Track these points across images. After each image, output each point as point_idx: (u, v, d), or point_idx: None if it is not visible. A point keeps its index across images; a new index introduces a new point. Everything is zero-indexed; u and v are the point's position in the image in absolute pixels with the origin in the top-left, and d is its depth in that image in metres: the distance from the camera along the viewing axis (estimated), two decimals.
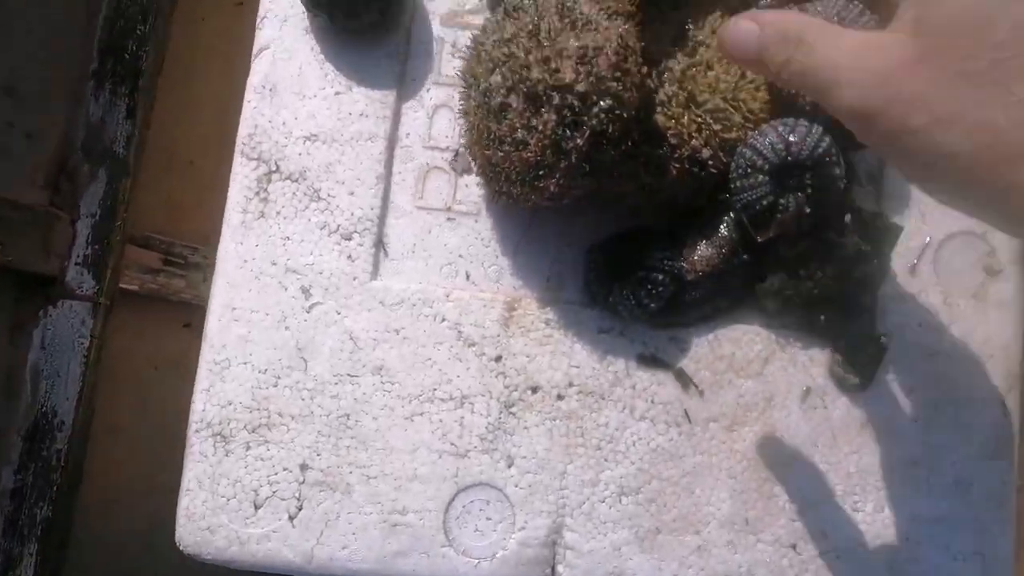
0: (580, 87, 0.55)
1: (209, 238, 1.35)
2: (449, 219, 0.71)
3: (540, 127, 0.57)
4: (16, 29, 1.03)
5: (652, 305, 0.66)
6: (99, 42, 1.11)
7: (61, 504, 1.09)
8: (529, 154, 0.58)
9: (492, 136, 0.60)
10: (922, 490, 0.68)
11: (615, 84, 0.56)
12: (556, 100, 0.56)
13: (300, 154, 0.70)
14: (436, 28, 0.72)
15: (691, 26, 0.65)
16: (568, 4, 0.57)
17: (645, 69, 0.60)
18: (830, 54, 0.44)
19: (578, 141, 0.57)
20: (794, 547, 0.68)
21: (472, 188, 0.71)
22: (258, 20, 0.72)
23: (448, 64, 0.72)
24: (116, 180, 1.11)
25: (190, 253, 1.28)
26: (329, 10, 0.67)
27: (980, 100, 0.39)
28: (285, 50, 0.71)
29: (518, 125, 0.58)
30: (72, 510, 1.12)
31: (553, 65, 0.56)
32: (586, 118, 0.56)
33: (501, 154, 0.60)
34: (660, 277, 0.65)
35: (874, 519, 0.68)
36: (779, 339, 0.70)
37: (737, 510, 0.68)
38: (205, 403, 0.69)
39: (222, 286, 0.70)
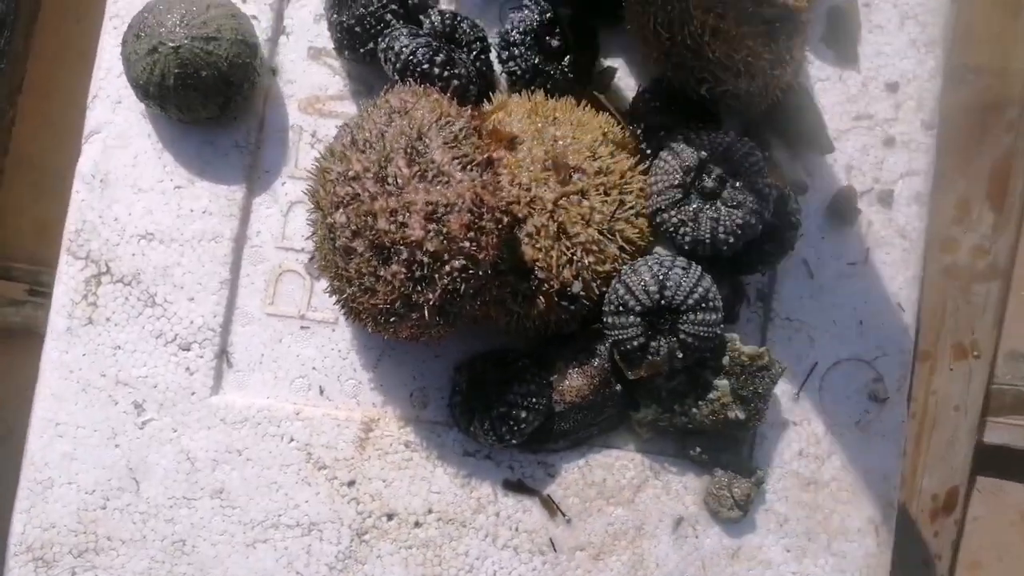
0: (430, 246, 0.49)
1: None
2: (303, 327, 0.65)
3: (388, 278, 0.51)
4: None
5: (512, 441, 0.61)
6: None
7: None
8: (378, 301, 0.52)
9: (340, 273, 0.54)
10: None
11: (468, 245, 0.50)
12: (404, 255, 0.50)
13: (134, 254, 0.63)
14: (294, 115, 0.65)
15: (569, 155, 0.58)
16: (418, 148, 0.50)
17: (506, 219, 0.54)
18: None
19: (429, 296, 0.51)
20: None
21: None
22: (88, 99, 0.63)
23: (307, 155, 0.65)
24: None
25: None
26: (161, 104, 0.58)
27: None
28: (118, 136, 0.63)
29: (364, 271, 0.52)
30: None
31: (400, 218, 0.49)
32: (437, 276, 0.50)
33: (350, 291, 0.54)
34: (523, 415, 0.60)
35: None
36: (653, 465, 0.66)
37: None
38: (25, 525, 0.63)
39: (45, 398, 0.63)
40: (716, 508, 0.65)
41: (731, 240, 0.57)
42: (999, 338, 0.81)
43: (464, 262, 0.51)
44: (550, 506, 0.65)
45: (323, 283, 0.65)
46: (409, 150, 0.50)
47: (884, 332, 0.67)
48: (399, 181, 0.50)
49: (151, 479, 0.63)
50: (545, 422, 0.63)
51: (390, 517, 0.64)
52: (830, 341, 0.67)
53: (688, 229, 0.58)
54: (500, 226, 0.52)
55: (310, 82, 0.65)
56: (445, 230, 0.50)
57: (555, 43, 0.63)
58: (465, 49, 0.62)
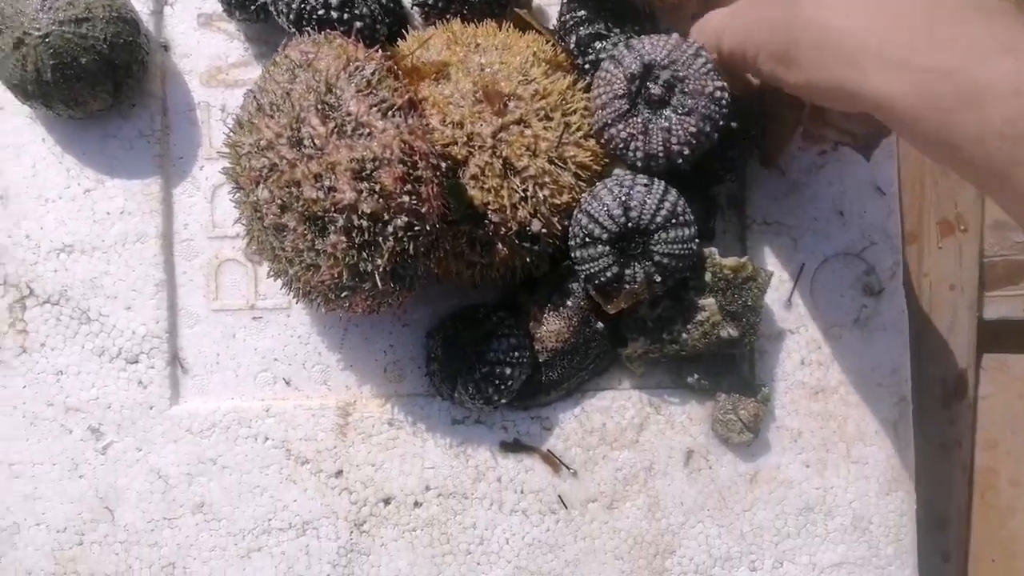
0: (365, 207, 0.44)
1: None
2: (255, 318, 0.60)
3: (329, 250, 0.46)
4: None
5: (501, 400, 0.57)
6: None
7: None
8: (324, 277, 0.47)
9: (276, 254, 0.49)
10: (820, 536, 0.63)
11: (407, 199, 0.45)
12: (340, 223, 0.45)
13: (56, 271, 0.57)
14: (198, 91, 0.59)
15: (500, 79, 0.52)
16: (330, 102, 0.44)
17: (444, 164, 0.48)
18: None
19: (377, 262, 0.46)
20: None
21: None
22: None
23: (220, 132, 0.59)
24: None
25: None
26: (45, 102, 0.52)
27: None
28: (9, 146, 0.57)
29: (302, 247, 0.46)
30: None
31: (327, 183, 0.44)
32: (380, 239, 0.45)
33: (292, 271, 0.49)
34: (507, 371, 0.56)
35: None
36: (652, 400, 0.62)
37: None
38: None
39: None
40: (725, 434, 0.61)
41: (686, 151, 0.52)
42: (983, 208, 0.76)
43: (407, 219, 0.46)
44: (552, 461, 0.61)
45: (266, 267, 0.60)
46: (320, 106, 0.44)
47: (868, 220, 0.63)
48: (316, 142, 0.44)
49: (125, 505, 0.58)
50: (532, 375, 0.58)
51: (387, 502, 0.60)
52: (813, 239, 0.62)
53: (639, 144, 0.52)
54: (439, 172, 0.47)
55: (207, 52, 0.59)
56: (378, 187, 0.45)
57: None
58: None
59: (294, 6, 0.49)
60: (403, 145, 0.45)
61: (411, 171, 0.45)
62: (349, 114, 0.44)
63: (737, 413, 0.61)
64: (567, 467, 0.61)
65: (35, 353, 0.58)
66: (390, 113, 0.45)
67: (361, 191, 0.45)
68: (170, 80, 0.58)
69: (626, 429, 0.62)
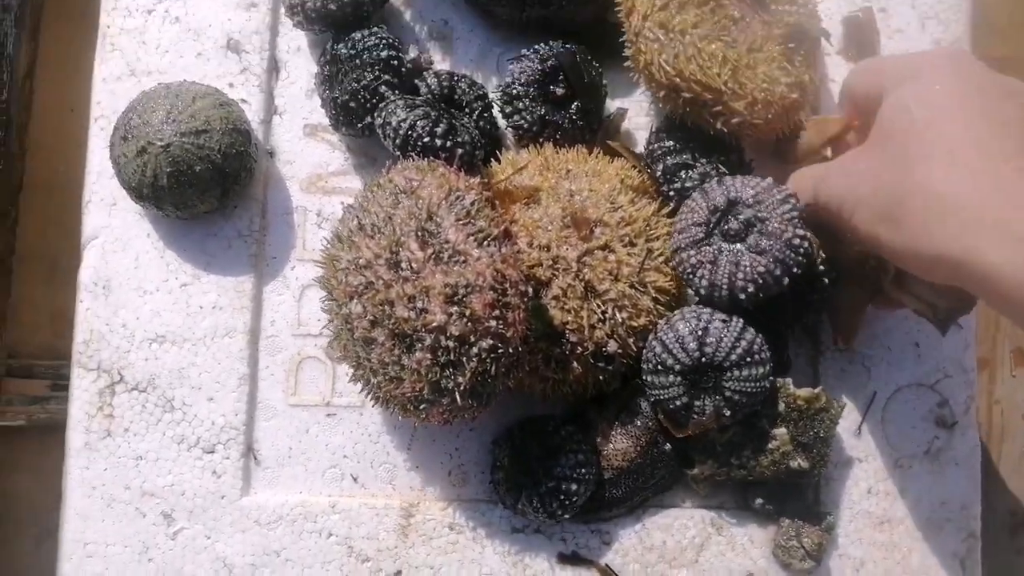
0: (454, 330, 0.46)
1: None
2: (329, 415, 0.62)
3: (414, 366, 0.47)
4: None
5: (565, 515, 0.58)
6: None
7: None
8: (405, 390, 0.49)
9: (361, 363, 0.51)
10: None
11: (494, 324, 0.46)
12: (428, 342, 0.47)
13: (147, 359, 0.60)
14: (296, 196, 0.62)
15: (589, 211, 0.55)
16: (430, 229, 0.47)
17: (530, 290, 0.50)
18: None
19: (459, 380, 0.47)
20: None
21: None
22: (83, 204, 0.61)
23: (314, 236, 0.62)
24: None
25: None
26: (157, 204, 0.56)
27: None
28: (117, 240, 0.60)
29: (388, 361, 0.48)
30: None
31: (419, 304, 0.46)
32: (465, 360, 0.47)
33: (375, 380, 0.51)
34: (573, 488, 0.56)
35: None
36: (715, 520, 0.62)
37: None
38: None
39: (71, 518, 0.60)
40: (787, 560, 0.61)
41: (750, 288, 0.52)
42: None
43: (492, 342, 0.47)
44: None
45: (345, 367, 0.62)
46: (420, 232, 0.47)
47: (943, 352, 0.63)
48: (413, 265, 0.46)
49: None
50: (595, 490, 0.59)
51: None
52: (887, 368, 0.63)
53: (706, 272, 0.53)
54: (526, 299, 0.49)
55: (310, 160, 0.63)
56: (468, 312, 0.47)
57: (559, 90, 0.59)
58: (466, 110, 0.59)
59: (401, 132, 0.52)
60: (495, 273, 0.47)
61: (500, 297, 0.47)
62: (447, 242, 0.47)
63: (800, 540, 0.60)
64: None
65: (118, 437, 0.60)
66: (486, 243, 0.47)
67: (451, 314, 0.47)
68: (272, 184, 0.62)
69: (686, 548, 0.61)
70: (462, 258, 0.46)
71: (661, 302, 0.55)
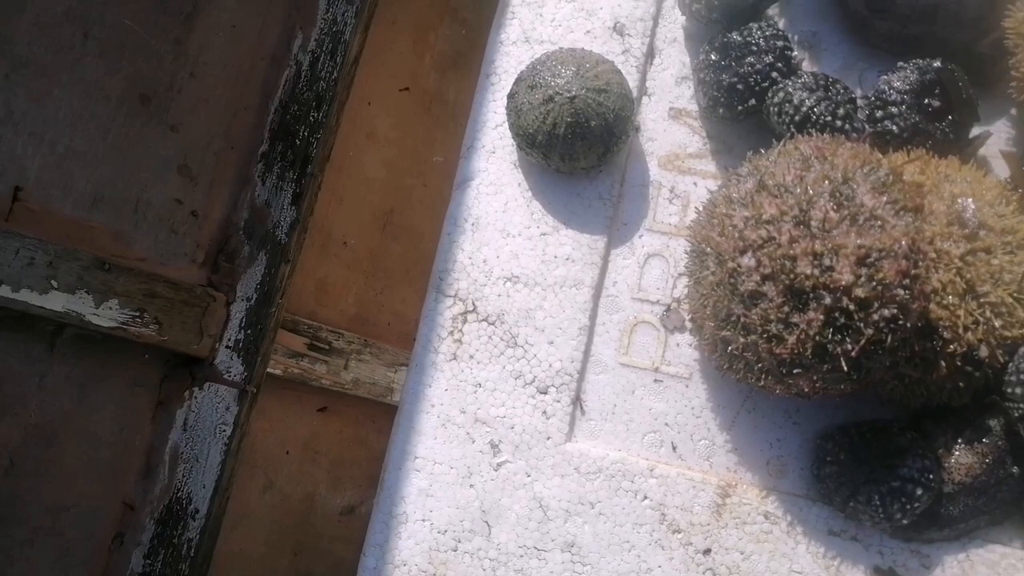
0: (859, 292, 0.47)
1: (352, 323, 1.32)
2: (656, 380, 0.63)
3: (803, 325, 0.49)
4: (198, 110, 1.03)
5: (903, 519, 0.56)
6: (271, 124, 1.10)
7: None
8: (783, 350, 0.50)
9: (734, 320, 0.52)
10: None
11: (902, 292, 0.47)
12: (827, 300, 0.48)
13: (499, 295, 0.65)
14: (654, 171, 0.66)
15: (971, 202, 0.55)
16: (845, 192, 0.49)
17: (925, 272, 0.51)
18: None
19: (848, 347, 0.48)
20: None
21: (684, 349, 0.64)
22: (463, 149, 0.68)
23: (664, 210, 0.65)
24: (275, 265, 1.09)
25: (335, 338, 1.25)
26: (545, 152, 0.61)
27: None
28: (491, 184, 0.66)
29: (773, 318, 0.50)
30: None
31: (826, 262, 0.48)
32: (862, 325, 0.48)
33: (744, 341, 0.52)
34: (918, 492, 0.55)
35: None
36: None
37: None
38: (378, 560, 0.63)
39: (405, 431, 0.64)
40: None
41: None
42: None
43: (895, 311, 0.48)
44: None
45: (677, 337, 0.64)
46: (835, 194, 0.49)
47: None
48: (826, 225, 0.48)
49: (503, 524, 0.62)
50: (932, 505, 0.57)
51: None
52: None
53: None
54: (930, 276, 0.49)
55: (670, 140, 0.66)
56: (879, 275, 0.47)
57: (936, 103, 0.61)
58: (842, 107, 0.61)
59: (803, 110, 0.55)
60: (911, 243, 0.47)
61: (912, 267, 0.48)
62: (863, 206, 0.48)
63: None
64: None
65: (463, 362, 0.64)
66: (901, 212, 0.49)
67: (860, 275, 0.48)
68: (633, 157, 0.66)
69: None
70: (878, 223, 0.47)
71: None
